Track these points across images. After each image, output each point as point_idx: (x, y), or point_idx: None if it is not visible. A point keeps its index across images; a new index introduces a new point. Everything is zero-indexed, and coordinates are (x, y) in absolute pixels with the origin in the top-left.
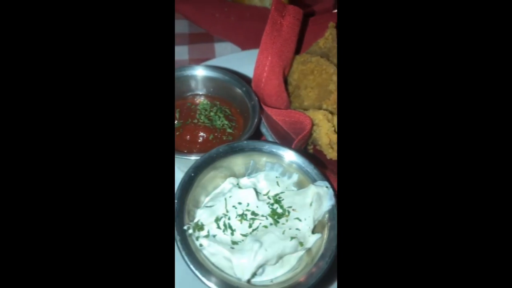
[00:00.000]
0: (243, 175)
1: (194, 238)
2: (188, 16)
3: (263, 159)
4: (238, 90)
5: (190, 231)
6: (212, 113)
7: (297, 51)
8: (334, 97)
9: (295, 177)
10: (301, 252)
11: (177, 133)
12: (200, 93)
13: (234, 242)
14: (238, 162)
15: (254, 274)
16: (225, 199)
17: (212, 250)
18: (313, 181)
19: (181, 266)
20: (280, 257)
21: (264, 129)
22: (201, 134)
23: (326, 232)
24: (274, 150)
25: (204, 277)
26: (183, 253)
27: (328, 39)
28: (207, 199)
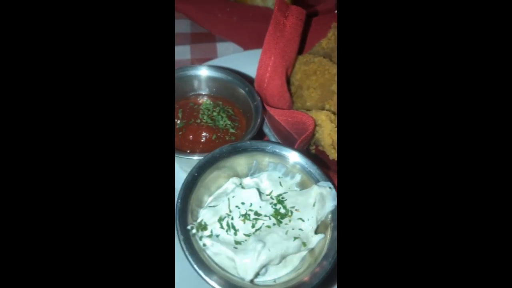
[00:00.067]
0: (245, 175)
1: (197, 238)
2: (190, 15)
3: (266, 159)
4: (241, 90)
5: (194, 231)
6: (215, 113)
7: (300, 51)
8: (336, 97)
9: (298, 177)
10: (304, 252)
11: (180, 133)
12: (203, 93)
13: (237, 242)
14: (241, 162)
15: (257, 274)
16: (228, 199)
17: (215, 250)
18: (316, 181)
19: (181, 266)
20: (283, 257)
21: (266, 130)
22: (204, 134)
23: (329, 232)
24: (277, 150)
25: (207, 277)
26: (187, 253)
27: (331, 40)
28: (210, 199)
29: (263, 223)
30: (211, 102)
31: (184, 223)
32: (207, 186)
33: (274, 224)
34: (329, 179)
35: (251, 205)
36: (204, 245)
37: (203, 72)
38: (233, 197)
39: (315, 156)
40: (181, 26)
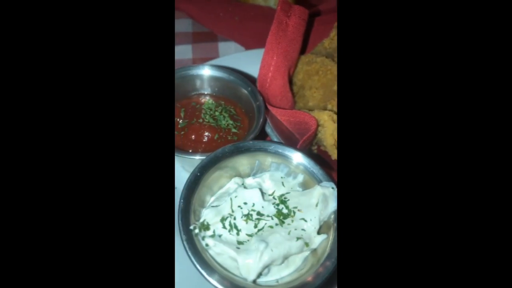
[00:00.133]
0: (248, 175)
1: (200, 238)
2: (192, 15)
3: (269, 160)
4: (244, 90)
5: (196, 230)
6: (217, 113)
7: (302, 51)
8: None
9: (301, 177)
10: (306, 253)
11: (182, 133)
12: (205, 93)
13: (239, 242)
14: (243, 162)
15: (259, 274)
16: (231, 199)
17: (218, 250)
18: (319, 182)
19: (181, 266)
20: (285, 258)
21: (269, 130)
22: (206, 133)
23: (332, 233)
24: (279, 150)
25: (210, 277)
26: (189, 253)
27: (333, 39)
28: (212, 199)
29: (265, 223)
30: (213, 102)
31: (186, 223)
32: (209, 186)
33: (276, 224)
34: (332, 179)
35: (253, 205)
36: (207, 245)
37: (206, 71)
38: (235, 197)
39: (317, 156)
40: (183, 25)
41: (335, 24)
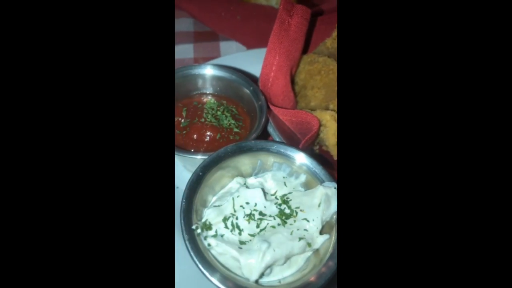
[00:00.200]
0: (250, 175)
1: (202, 238)
2: (194, 14)
3: (271, 159)
4: (246, 90)
5: (198, 230)
6: (219, 112)
7: (304, 50)
8: None
9: (303, 177)
10: (308, 253)
11: (184, 132)
12: (207, 92)
13: (242, 242)
14: (245, 161)
15: (262, 275)
16: (233, 198)
17: (220, 250)
18: (321, 182)
19: (181, 266)
20: (287, 258)
21: (271, 129)
22: (208, 133)
23: (334, 233)
24: (281, 150)
25: (212, 277)
26: (192, 253)
27: (335, 39)
28: (214, 198)
29: (267, 223)
30: (215, 101)
31: (189, 223)
32: (211, 186)
33: (279, 225)
34: (334, 179)
35: (255, 205)
36: (209, 245)
37: (208, 71)
38: (237, 196)
39: (319, 156)
40: (184, 24)
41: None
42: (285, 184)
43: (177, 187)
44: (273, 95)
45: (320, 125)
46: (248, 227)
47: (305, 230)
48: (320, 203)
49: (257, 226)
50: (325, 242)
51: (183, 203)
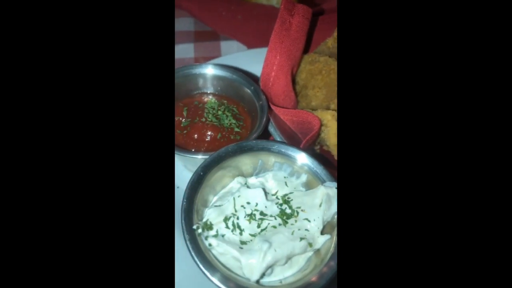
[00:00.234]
0: (250, 175)
1: (203, 238)
2: (194, 13)
3: (272, 159)
4: (246, 90)
5: (199, 230)
6: (220, 112)
7: (305, 50)
8: None
9: (304, 177)
10: (309, 253)
11: (185, 132)
12: (208, 92)
13: (242, 242)
14: (246, 161)
15: (263, 275)
16: (234, 198)
17: (221, 250)
18: (323, 182)
19: (181, 266)
20: (289, 258)
21: (272, 129)
22: (209, 133)
23: (335, 233)
24: (282, 150)
25: (213, 277)
26: (193, 253)
27: (336, 39)
28: (215, 198)
29: (268, 223)
30: (216, 101)
31: (190, 223)
32: (212, 186)
33: (280, 225)
34: (335, 179)
35: (256, 205)
36: (210, 245)
37: (209, 70)
38: (238, 196)
39: (320, 156)
40: (185, 24)
41: None
42: (286, 184)
43: (178, 187)
44: (274, 95)
45: (321, 125)
46: (249, 227)
47: (306, 230)
48: (321, 203)
49: (258, 226)
50: (326, 242)
51: (184, 203)
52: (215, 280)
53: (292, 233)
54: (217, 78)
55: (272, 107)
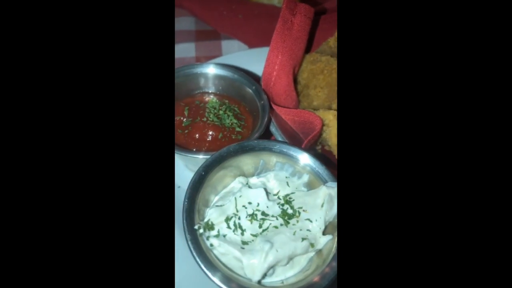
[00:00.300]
0: (252, 175)
1: (204, 238)
2: (195, 13)
3: (273, 159)
4: (248, 89)
5: (201, 230)
6: (221, 112)
7: (307, 50)
8: None
9: (306, 177)
10: (311, 254)
11: (186, 131)
12: (209, 91)
13: (244, 242)
14: (247, 161)
15: (264, 275)
16: (235, 198)
17: (222, 250)
18: (324, 182)
19: (181, 266)
20: (290, 258)
21: (273, 129)
22: (210, 132)
23: (337, 233)
24: (284, 150)
25: (214, 277)
26: (194, 253)
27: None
28: (217, 198)
29: (270, 224)
30: (217, 101)
31: (191, 223)
32: (213, 186)
33: (281, 225)
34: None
35: (258, 205)
36: (211, 245)
37: (210, 70)
38: (240, 196)
39: (322, 156)
40: (186, 23)
41: None
42: (287, 184)
43: (179, 187)
44: (276, 94)
45: (323, 124)
46: (251, 227)
47: (308, 230)
48: (323, 203)
49: (260, 226)
50: (328, 242)
51: (186, 203)
52: (216, 280)
53: (294, 234)
54: (218, 77)
55: (274, 106)
